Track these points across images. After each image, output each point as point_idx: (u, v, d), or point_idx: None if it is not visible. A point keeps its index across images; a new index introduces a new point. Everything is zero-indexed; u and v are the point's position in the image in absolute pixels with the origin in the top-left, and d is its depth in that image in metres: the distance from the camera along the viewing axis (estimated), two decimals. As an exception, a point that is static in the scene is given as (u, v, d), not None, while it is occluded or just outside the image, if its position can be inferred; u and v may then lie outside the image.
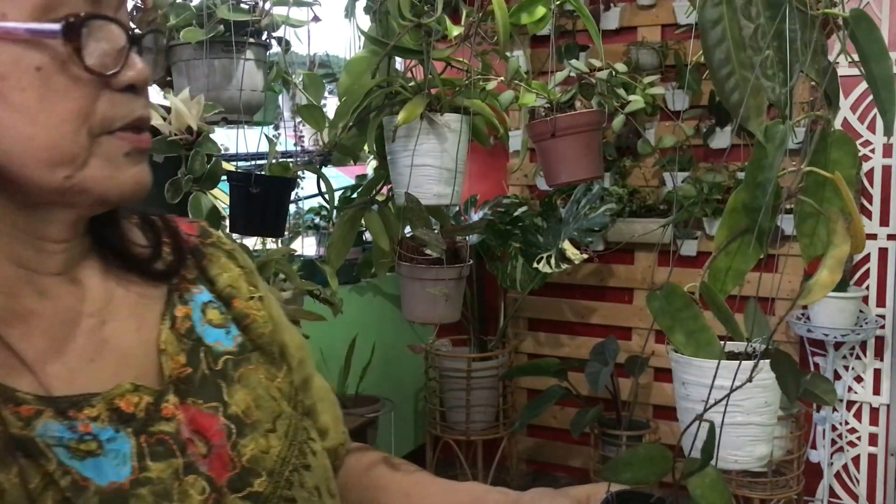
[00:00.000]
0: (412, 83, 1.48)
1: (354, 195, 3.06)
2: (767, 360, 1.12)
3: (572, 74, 1.73)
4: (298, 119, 2.85)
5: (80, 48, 0.54)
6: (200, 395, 0.63)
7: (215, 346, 0.67)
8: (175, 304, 0.66)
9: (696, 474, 0.64)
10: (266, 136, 1.71)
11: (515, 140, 3.11)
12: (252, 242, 2.71)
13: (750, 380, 0.80)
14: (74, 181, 0.55)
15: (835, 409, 3.00)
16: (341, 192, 3.02)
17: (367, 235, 3.10)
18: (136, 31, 0.58)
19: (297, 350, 0.78)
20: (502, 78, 1.59)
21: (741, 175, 2.94)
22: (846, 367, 3.02)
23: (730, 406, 1.10)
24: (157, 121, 1.35)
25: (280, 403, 0.68)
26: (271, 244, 2.54)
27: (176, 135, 1.35)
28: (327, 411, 0.83)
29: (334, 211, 2.02)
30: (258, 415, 0.65)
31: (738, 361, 1.12)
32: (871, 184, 2.94)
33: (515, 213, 3.27)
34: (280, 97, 2.81)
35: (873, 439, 3.02)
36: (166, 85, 1.81)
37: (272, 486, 0.63)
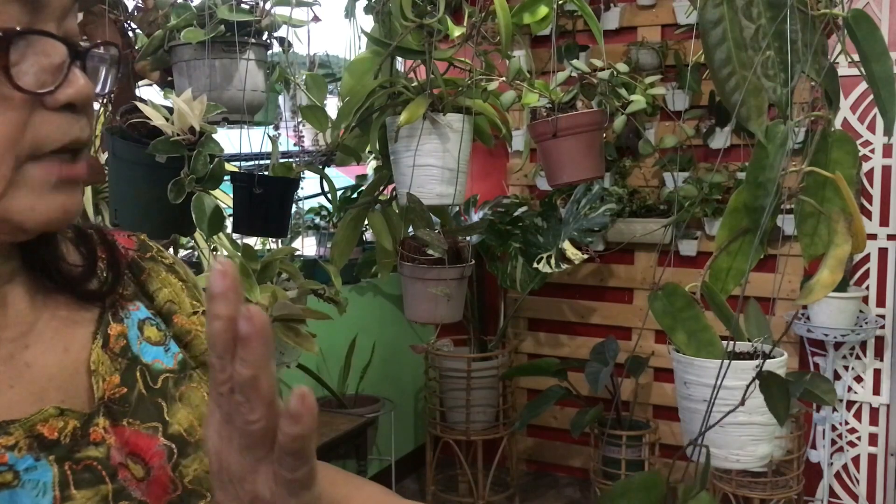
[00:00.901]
0: (414, 83, 1.48)
1: (355, 195, 3.07)
2: (769, 361, 1.12)
3: (574, 74, 1.73)
4: (299, 119, 2.85)
5: (8, 65, 0.49)
6: (137, 416, 0.59)
7: (154, 365, 0.63)
8: (108, 322, 0.63)
9: (691, 501, 0.64)
10: (269, 136, 1.71)
11: (517, 140, 3.12)
12: (253, 242, 2.72)
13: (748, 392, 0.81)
14: None
15: (835, 409, 3.00)
16: (342, 192, 3.03)
17: (368, 235, 3.12)
18: (84, 43, 0.54)
19: None
20: (504, 78, 1.60)
21: (741, 175, 2.95)
22: (846, 367, 3.03)
23: (732, 405, 1.10)
24: (159, 121, 1.35)
25: None
26: (272, 244, 2.55)
27: (178, 135, 1.35)
28: None
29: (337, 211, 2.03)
30: (203, 433, 0.61)
31: (740, 361, 1.12)
32: (871, 184, 2.95)
33: (515, 213, 3.28)
34: (280, 97, 2.82)
35: (873, 439, 3.02)
36: (167, 85, 1.81)
37: None
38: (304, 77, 1.85)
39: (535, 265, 3.00)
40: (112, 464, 0.56)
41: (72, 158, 0.54)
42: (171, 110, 1.40)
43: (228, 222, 1.65)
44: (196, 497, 0.60)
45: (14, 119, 0.50)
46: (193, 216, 1.36)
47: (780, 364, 1.16)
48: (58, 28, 0.53)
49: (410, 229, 1.66)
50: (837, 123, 2.90)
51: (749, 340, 1.21)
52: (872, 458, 3.03)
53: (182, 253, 2.65)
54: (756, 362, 1.11)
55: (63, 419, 0.55)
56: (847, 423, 3.05)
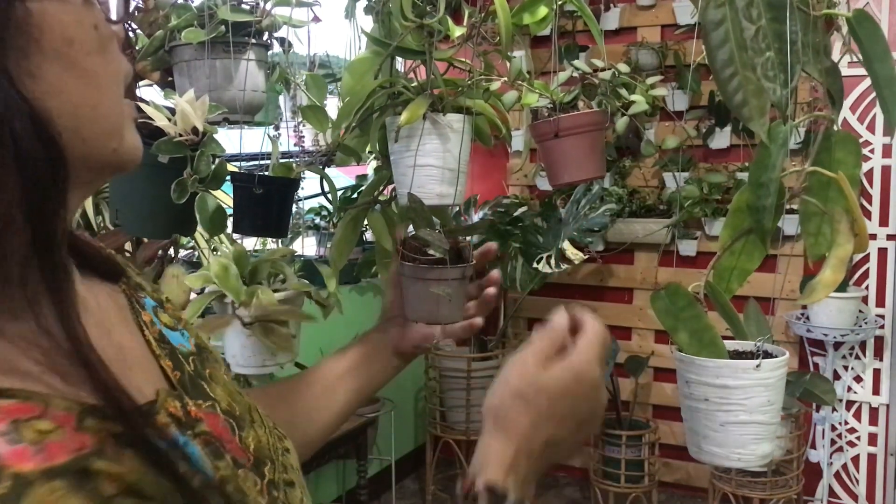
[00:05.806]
0: (414, 84, 1.48)
1: (355, 195, 3.07)
2: (770, 360, 1.12)
3: (575, 75, 1.73)
4: (299, 119, 2.85)
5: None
6: (198, 396, 0.59)
7: (181, 349, 0.63)
8: (138, 309, 0.61)
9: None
10: (269, 137, 1.71)
11: (517, 140, 3.12)
12: (253, 242, 2.72)
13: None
14: (119, 152, 0.51)
15: (834, 409, 3.00)
16: (342, 192, 3.03)
17: (368, 235, 3.11)
18: None
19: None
20: (505, 78, 1.60)
21: (741, 175, 2.95)
22: (846, 367, 3.03)
23: (733, 404, 1.10)
24: (162, 122, 1.35)
25: (242, 395, 0.67)
26: (272, 244, 2.55)
27: (181, 135, 1.35)
28: None
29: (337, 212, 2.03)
30: (238, 409, 0.64)
31: (741, 361, 1.12)
32: (871, 184, 2.95)
33: (515, 214, 3.28)
34: (280, 97, 2.81)
35: (873, 439, 3.03)
36: (167, 85, 1.81)
37: (276, 473, 0.62)
38: (304, 77, 1.85)
39: (534, 265, 3.00)
40: (217, 435, 0.56)
41: None
42: (172, 111, 1.40)
43: (229, 222, 1.65)
44: (262, 465, 0.60)
45: (117, 52, 0.51)
46: (197, 216, 1.36)
47: (781, 364, 1.16)
48: None
49: (410, 229, 1.65)
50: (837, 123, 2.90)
51: (752, 340, 1.21)
52: (872, 458, 3.04)
53: (182, 253, 2.65)
54: (756, 362, 1.11)
55: (171, 400, 0.54)
56: (847, 422, 3.05)
